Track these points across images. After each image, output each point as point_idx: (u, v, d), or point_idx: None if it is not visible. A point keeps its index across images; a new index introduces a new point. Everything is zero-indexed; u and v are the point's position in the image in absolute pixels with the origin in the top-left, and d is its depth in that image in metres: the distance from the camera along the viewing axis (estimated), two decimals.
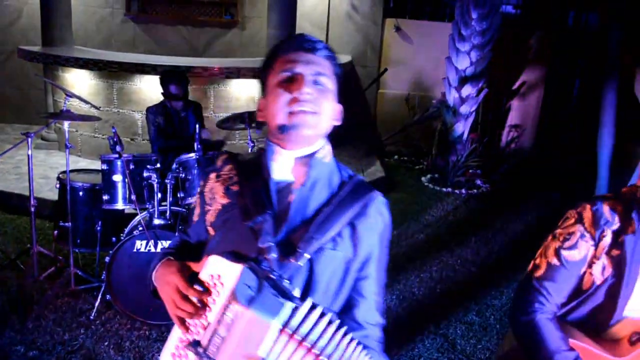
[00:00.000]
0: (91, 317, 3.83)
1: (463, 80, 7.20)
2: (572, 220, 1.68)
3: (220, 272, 1.33)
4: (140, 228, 3.77)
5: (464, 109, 7.27)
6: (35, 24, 7.60)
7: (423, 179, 7.42)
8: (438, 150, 7.58)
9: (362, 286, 1.54)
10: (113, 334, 3.70)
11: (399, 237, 5.62)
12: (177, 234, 1.75)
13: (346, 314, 1.53)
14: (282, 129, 1.43)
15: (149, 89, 6.35)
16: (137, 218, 3.92)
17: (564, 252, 1.68)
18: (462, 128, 7.37)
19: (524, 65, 8.54)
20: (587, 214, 1.66)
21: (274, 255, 1.38)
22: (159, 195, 3.77)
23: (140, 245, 3.67)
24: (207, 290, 1.33)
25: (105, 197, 3.86)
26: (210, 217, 1.53)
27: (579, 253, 1.66)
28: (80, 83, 6.54)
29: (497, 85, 8.07)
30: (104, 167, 3.83)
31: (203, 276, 1.36)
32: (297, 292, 1.34)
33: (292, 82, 1.43)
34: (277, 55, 1.49)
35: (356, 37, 8.29)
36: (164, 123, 4.61)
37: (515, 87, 8.60)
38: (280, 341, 1.27)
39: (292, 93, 1.42)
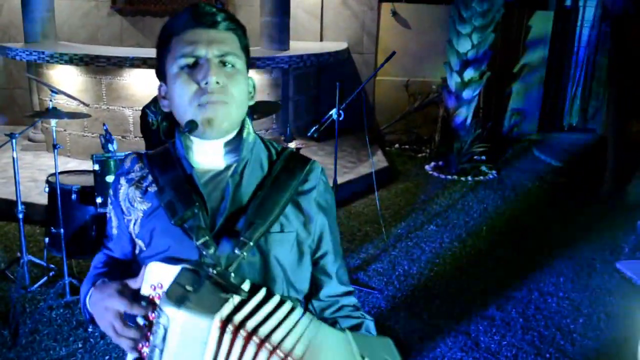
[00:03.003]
0: (89, 330, 3.55)
1: (465, 64, 6.94)
2: None
3: (161, 279, 1.17)
4: None
5: (466, 94, 7.02)
6: (16, 20, 7.28)
7: (427, 167, 7.17)
8: (441, 137, 7.34)
9: (323, 264, 1.44)
10: (114, 347, 3.43)
11: (408, 228, 5.38)
12: (99, 252, 1.50)
13: (314, 296, 1.44)
14: (192, 125, 1.27)
15: (139, 84, 6.06)
16: None
17: None
18: (465, 113, 7.11)
19: (524, 47, 8.31)
20: None
21: (212, 250, 1.23)
22: None
23: None
24: (152, 306, 1.17)
25: (98, 200, 3.58)
26: (134, 229, 1.36)
27: None
28: (66, 80, 6.23)
29: (499, 68, 7.84)
30: (96, 167, 3.55)
31: (144, 290, 1.20)
32: (246, 285, 1.18)
33: (195, 69, 1.28)
34: (172, 34, 1.31)
35: (352, 23, 8.01)
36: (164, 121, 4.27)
37: (516, 70, 8.37)
38: (225, 340, 1.08)
39: (197, 83, 1.27)
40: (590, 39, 8.73)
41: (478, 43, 6.85)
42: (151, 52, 6.36)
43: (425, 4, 8.03)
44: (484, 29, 6.82)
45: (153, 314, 1.15)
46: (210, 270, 1.17)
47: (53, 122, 3.59)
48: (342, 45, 7.67)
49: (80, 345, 3.44)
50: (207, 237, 1.24)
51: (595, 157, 6.84)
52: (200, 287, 1.13)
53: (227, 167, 1.36)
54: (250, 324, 1.09)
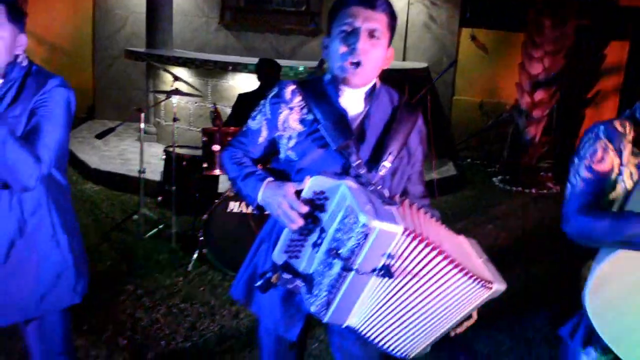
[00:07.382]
0: (188, 269, 4.37)
1: (535, 85, 7.45)
2: (592, 140, 1.77)
3: (323, 188, 1.63)
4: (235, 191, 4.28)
5: (536, 113, 7.52)
6: (138, 31, 8.48)
7: (494, 179, 7.69)
8: (510, 153, 7.83)
9: (411, 175, 1.95)
10: (207, 282, 4.23)
11: (465, 224, 5.90)
12: (231, 152, 1.94)
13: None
14: (339, 77, 1.77)
15: (240, 87, 6.96)
16: None
17: (594, 166, 1.75)
18: (533, 131, 7.60)
19: (598, 74, 8.65)
20: (602, 132, 1.75)
21: (363, 170, 1.73)
22: None
23: (233, 206, 4.18)
24: (313, 205, 1.64)
25: (204, 165, 4.40)
26: (287, 142, 1.82)
27: (607, 164, 1.73)
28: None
29: (572, 92, 8.23)
30: (204, 138, 4.38)
31: (306, 194, 1.66)
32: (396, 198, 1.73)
33: (350, 35, 1.72)
34: (341, 6, 1.76)
35: (433, 45, 8.68)
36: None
37: (589, 95, 8.72)
38: (404, 241, 1.53)
39: (348, 46, 1.72)
40: None
41: (549, 66, 7.36)
42: (252, 61, 7.21)
43: (503, 31, 8.58)
44: (555, 53, 7.33)
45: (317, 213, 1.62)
46: (370, 187, 1.67)
47: (175, 98, 4.50)
48: (422, 65, 8.34)
49: (181, 279, 4.25)
50: (360, 160, 1.73)
51: None
52: (374, 202, 1.55)
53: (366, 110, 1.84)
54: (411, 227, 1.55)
